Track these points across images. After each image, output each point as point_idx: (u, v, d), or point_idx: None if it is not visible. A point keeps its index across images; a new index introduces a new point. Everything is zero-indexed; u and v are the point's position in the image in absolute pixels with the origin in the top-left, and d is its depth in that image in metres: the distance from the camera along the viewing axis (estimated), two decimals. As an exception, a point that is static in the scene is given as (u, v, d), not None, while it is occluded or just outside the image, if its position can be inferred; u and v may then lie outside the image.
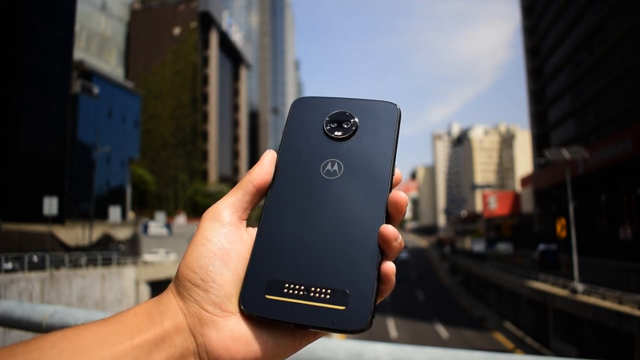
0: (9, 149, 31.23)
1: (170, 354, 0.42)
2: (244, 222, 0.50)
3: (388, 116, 0.53)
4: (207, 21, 74.02)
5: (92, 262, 24.65)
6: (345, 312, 0.44)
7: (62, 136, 35.93)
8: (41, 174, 33.53)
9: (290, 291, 0.45)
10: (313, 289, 0.45)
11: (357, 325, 0.43)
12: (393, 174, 0.50)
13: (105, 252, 28.15)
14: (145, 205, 61.70)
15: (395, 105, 0.54)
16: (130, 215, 51.28)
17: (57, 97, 35.56)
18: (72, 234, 34.08)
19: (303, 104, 0.55)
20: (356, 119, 0.53)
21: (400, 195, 0.48)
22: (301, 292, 0.45)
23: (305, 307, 0.44)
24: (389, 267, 0.46)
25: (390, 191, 0.49)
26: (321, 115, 0.54)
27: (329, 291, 0.44)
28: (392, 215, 0.48)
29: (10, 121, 31.49)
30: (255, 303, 0.44)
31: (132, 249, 35.04)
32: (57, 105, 35.38)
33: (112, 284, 23.25)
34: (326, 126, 0.53)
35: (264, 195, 0.50)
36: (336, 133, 0.52)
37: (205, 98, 74.32)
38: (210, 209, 0.49)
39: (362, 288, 0.44)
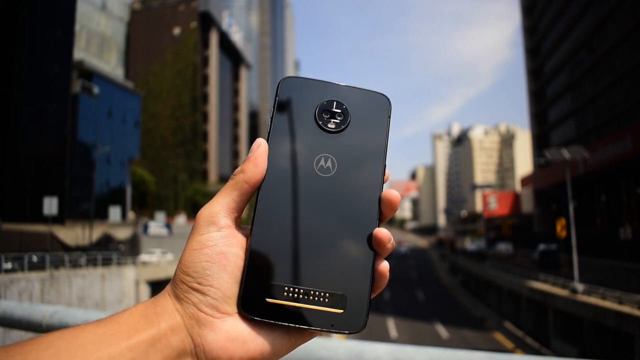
0: (9, 149, 31.24)
1: (167, 355, 0.42)
2: (239, 221, 0.49)
3: (379, 109, 0.51)
4: (207, 21, 74.02)
5: (92, 262, 24.65)
6: (344, 315, 0.45)
7: (62, 136, 35.94)
8: (41, 174, 33.54)
9: (290, 294, 0.45)
10: (312, 292, 0.45)
11: (354, 328, 0.45)
12: (384, 173, 0.49)
13: (105, 252, 28.16)
14: (145, 205, 61.70)
15: (386, 97, 0.51)
16: (130, 215, 51.28)
17: (57, 97, 35.56)
18: (72, 234, 34.09)
19: (292, 86, 0.51)
20: (349, 111, 0.50)
21: (392, 193, 0.48)
22: (301, 296, 0.45)
23: (305, 310, 0.45)
24: (384, 266, 0.47)
25: (382, 189, 0.48)
26: (312, 102, 0.50)
27: (327, 294, 0.45)
28: (384, 213, 0.48)
29: (10, 121, 31.50)
30: (256, 307, 0.44)
31: (132, 249, 35.04)
32: (57, 105, 35.38)
33: (112, 284, 23.25)
34: (318, 116, 0.50)
35: (256, 190, 0.48)
36: (329, 125, 0.49)
37: (205, 98, 74.32)
38: (205, 210, 0.48)
39: (359, 291, 0.45)
